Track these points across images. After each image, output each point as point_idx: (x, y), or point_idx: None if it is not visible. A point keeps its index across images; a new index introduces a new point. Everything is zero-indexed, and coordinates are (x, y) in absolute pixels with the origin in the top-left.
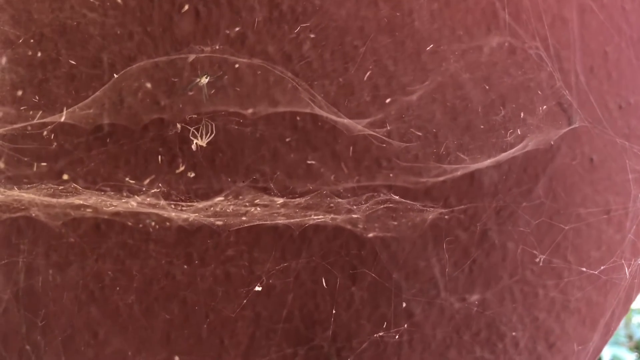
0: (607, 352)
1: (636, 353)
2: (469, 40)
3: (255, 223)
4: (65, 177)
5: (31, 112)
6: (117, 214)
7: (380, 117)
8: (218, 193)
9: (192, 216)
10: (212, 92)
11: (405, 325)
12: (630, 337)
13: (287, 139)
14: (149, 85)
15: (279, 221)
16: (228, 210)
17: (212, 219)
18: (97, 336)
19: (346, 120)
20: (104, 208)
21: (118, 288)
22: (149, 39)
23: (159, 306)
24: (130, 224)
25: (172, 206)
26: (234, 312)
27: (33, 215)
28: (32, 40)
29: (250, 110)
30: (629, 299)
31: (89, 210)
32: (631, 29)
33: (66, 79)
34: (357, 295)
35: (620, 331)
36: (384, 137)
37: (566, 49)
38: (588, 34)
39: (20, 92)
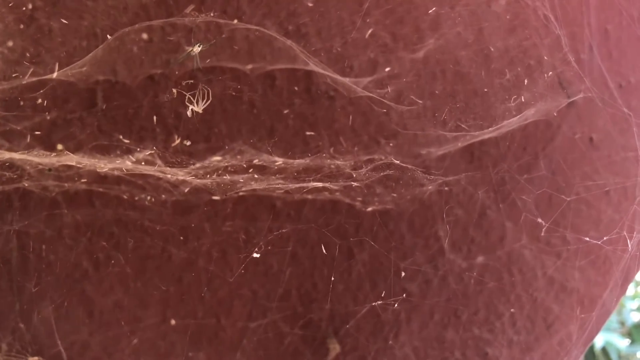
0: (599, 339)
1: (628, 339)
2: None
3: (252, 187)
4: (59, 147)
5: (22, 77)
6: (111, 184)
7: (381, 78)
8: (214, 155)
9: (188, 178)
10: (207, 61)
11: (404, 295)
12: (622, 324)
13: (285, 111)
14: (144, 46)
15: (278, 186)
16: (225, 177)
17: (208, 181)
18: (92, 310)
19: (346, 80)
20: (98, 170)
21: (113, 261)
22: (144, 11)
23: (154, 281)
24: (125, 197)
25: (169, 167)
26: (232, 277)
27: (26, 185)
28: (24, 9)
29: (249, 66)
30: (627, 279)
31: (83, 181)
32: (632, 6)
33: (59, 45)
34: (354, 272)
35: (613, 317)
36: (384, 101)
37: (572, 24)
38: (589, 11)
39: (11, 47)
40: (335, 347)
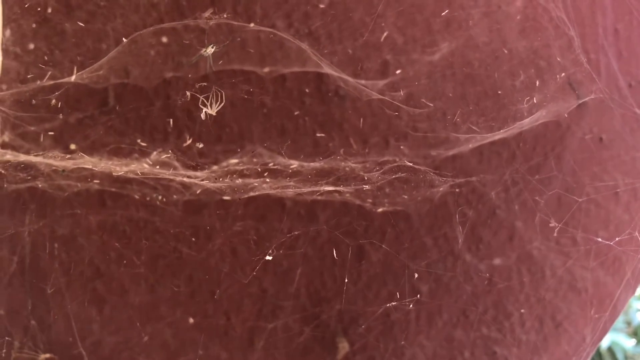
0: (605, 338)
1: (634, 339)
2: None
3: (265, 192)
4: (72, 146)
5: (38, 81)
6: (123, 185)
7: (393, 81)
8: (231, 159)
9: (203, 182)
10: (220, 62)
11: (419, 296)
12: (628, 323)
13: (296, 112)
14: (159, 48)
15: (289, 189)
16: (237, 182)
17: (220, 185)
18: (105, 308)
19: (359, 83)
20: (113, 173)
21: (125, 261)
22: (155, 10)
23: (165, 281)
24: (137, 197)
25: (184, 170)
26: (246, 279)
27: (39, 185)
28: (39, 9)
29: (266, 69)
30: (639, 279)
31: (95, 181)
32: None
33: (74, 47)
34: (365, 273)
35: (619, 317)
36: (396, 103)
37: (584, 25)
38: (602, 11)
39: (30, 50)
40: (344, 346)
